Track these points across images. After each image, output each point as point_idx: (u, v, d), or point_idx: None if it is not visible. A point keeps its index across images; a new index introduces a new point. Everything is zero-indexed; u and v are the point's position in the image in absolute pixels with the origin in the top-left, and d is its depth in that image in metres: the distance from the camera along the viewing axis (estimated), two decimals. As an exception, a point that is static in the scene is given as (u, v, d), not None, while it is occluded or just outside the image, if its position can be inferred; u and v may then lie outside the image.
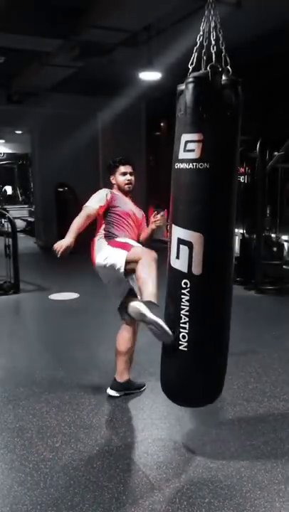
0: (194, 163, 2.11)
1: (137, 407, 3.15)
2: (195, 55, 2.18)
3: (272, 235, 6.64)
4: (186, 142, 2.12)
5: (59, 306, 5.67)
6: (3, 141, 15.74)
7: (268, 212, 6.61)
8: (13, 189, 19.02)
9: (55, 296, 6.08)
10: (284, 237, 6.65)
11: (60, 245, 2.86)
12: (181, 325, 2.22)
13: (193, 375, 2.32)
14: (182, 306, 2.21)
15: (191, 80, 2.12)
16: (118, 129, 9.88)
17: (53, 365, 3.85)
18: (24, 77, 8.08)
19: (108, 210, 3.13)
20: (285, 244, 6.61)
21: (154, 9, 4.88)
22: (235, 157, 2.20)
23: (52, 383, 3.52)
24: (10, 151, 17.17)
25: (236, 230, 6.92)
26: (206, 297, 2.23)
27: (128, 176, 3.24)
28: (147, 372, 3.56)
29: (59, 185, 9.69)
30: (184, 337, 2.22)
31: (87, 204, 3.12)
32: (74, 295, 6.09)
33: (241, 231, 6.75)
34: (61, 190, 9.68)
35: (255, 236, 6.41)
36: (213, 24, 2.19)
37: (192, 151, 2.10)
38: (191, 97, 2.11)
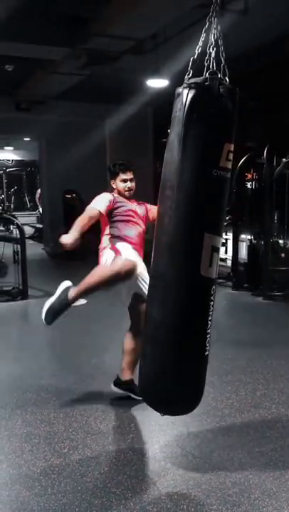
0: (229, 173, 2.19)
1: (144, 414, 3.14)
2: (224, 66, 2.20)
3: (280, 241, 6.62)
4: (229, 152, 2.14)
5: (66, 312, 5.67)
6: (11, 148, 15.89)
7: (275, 218, 6.59)
8: (21, 196, 19.16)
9: (63, 302, 6.09)
10: (292, 243, 6.63)
11: (66, 242, 2.96)
12: (208, 331, 2.24)
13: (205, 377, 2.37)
14: (210, 313, 2.23)
15: (227, 90, 2.13)
16: (125, 135, 9.93)
17: (61, 371, 3.86)
18: (32, 85, 8.17)
19: (112, 211, 3.20)
20: (293, 249, 6.58)
21: (161, 17, 4.92)
22: None
23: (59, 389, 3.53)
24: (18, 158, 17.33)
25: (244, 236, 6.95)
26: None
27: (128, 184, 3.28)
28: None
29: (66, 191, 9.75)
30: (208, 342, 2.25)
31: (90, 205, 3.19)
32: (81, 301, 6.07)
33: (249, 237, 6.74)
34: (69, 196, 9.74)
35: (262, 242, 6.39)
36: (217, 32, 2.21)
37: (230, 161, 2.16)
38: (234, 108, 2.14)
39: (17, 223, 6.58)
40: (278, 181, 6.26)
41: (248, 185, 7.11)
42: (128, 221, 3.21)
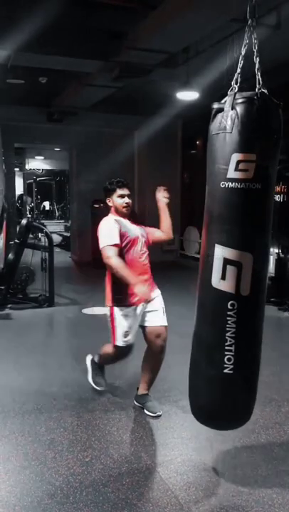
0: (247, 183, 2.09)
1: (167, 426, 3.13)
2: (238, 76, 2.18)
3: (309, 255, 6.52)
4: (239, 162, 2.09)
5: (91, 321, 5.72)
6: (42, 157, 16.22)
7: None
8: (50, 204, 19.47)
9: (88, 311, 6.14)
10: None
11: (144, 293, 2.99)
12: (226, 347, 2.19)
13: (238, 398, 2.30)
14: (228, 329, 2.18)
15: (242, 99, 2.10)
16: (154, 147, 10.02)
17: (85, 379, 3.86)
18: (65, 97, 8.34)
19: (122, 240, 3.11)
20: None
21: (193, 32, 4.96)
22: (275, 179, 2.24)
23: (83, 397, 3.55)
24: (49, 168, 17.64)
25: (271, 250, 6.86)
26: (252, 318, 2.23)
27: (126, 199, 3.22)
28: (178, 390, 3.54)
29: (95, 201, 9.86)
30: (229, 360, 2.20)
31: (106, 244, 3.05)
32: (106, 310, 6.13)
33: (277, 250, 6.66)
34: (97, 206, 9.84)
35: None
36: (253, 46, 2.21)
37: (245, 170, 2.08)
38: (245, 117, 2.08)
39: (46, 231, 6.69)
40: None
41: (277, 198, 7.04)
42: (133, 259, 3.13)
